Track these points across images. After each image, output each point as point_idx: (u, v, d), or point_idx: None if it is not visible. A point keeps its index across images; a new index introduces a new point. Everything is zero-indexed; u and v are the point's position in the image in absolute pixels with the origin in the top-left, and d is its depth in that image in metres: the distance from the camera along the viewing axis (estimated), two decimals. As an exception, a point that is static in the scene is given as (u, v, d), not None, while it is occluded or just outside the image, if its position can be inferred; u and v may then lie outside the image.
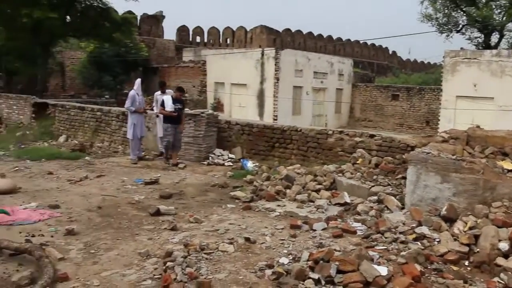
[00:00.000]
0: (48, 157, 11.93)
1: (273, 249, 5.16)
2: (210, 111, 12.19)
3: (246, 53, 26.00)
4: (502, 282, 4.45)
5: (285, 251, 5.06)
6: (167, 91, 11.87)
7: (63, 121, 16.68)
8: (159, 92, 11.86)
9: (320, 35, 52.21)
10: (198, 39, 48.29)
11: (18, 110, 20.44)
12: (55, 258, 4.84)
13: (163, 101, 10.87)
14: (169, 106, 10.67)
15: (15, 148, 15.06)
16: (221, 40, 48.67)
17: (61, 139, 15.96)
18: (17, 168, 10.04)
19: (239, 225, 6.08)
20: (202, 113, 11.39)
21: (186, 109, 11.63)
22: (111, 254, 5.08)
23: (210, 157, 11.09)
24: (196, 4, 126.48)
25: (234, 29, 48.72)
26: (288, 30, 49.16)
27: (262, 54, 24.69)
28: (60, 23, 21.57)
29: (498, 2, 29.41)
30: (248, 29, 47.92)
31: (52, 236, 5.63)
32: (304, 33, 50.79)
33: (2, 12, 21.21)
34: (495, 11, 29.39)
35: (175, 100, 10.87)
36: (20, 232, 5.72)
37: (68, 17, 23.42)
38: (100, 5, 23.66)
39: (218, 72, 26.87)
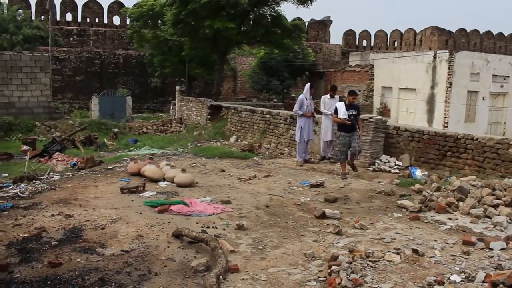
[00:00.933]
0: (220, 156, 12.85)
1: (443, 264, 4.86)
2: (379, 116, 11.87)
3: (417, 57, 24.79)
4: None
5: (457, 268, 4.72)
6: (335, 96, 11.86)
7: (234, 122, 17.80)
8: (327, 96, 11.91)
9: (500, 34, 47.63)
10: (364, 42, 47.78)
11: (196, 112, 22.46)
12: (227, 250, 5.17)
13: (336, 109, 10.07)
14: (342, 113, 9.84)
15: (192, 146, 16.51)
16: (388, 43, 47.39)
17: (232, 139, 17.04)
18: (194, 164, 11.01)
19: (406, 235, 5.84)
20: (371, 118, 11.16)
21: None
22: (278, 252, 5.25)
23: (376, 163, 10.80)
24: (363, 8, 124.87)
25: (403, 31, 47.01)
26: (462, 30, 45.84)
27: (434, 57, 23.29)
28: (236, 32, 23.06)
29: None
30: (417, 31, 45.83)
31: (224, 229, 6.04)
32: (481, 32, 46.78)
33: (188, 24, 23.47)
34: None
35: (348, 106, 9.97)
36: (197, 223, 6.26)
37: (242, 26, 24.87)
38: (273, 13, 24.65)
39: (386, 76, 26.10)
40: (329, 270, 4.58)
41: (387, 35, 47.59)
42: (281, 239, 5.71)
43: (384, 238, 5.68)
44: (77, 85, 32.52)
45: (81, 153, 14.53)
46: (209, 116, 20.64)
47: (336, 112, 10.07)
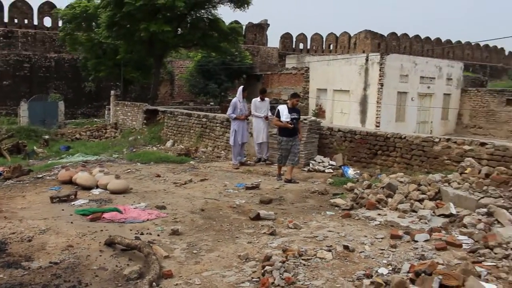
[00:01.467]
0: (156, 161, 12.66)
1: (372, 258, 5.03)
2: (313, 118, 12.15)
3: (350, 59, 25.57)
4: None
5: (385, 261, 4.90)
6: (265, 99, 12.05)
7: (171, 127, 17.60)
8: (258, 99, 12.05)
9: (427, 38, 50.13)
10: (301, 45, 48.66)
11: (132, 116, 22.03)
12: (161, 256, 5.12)
13: (278, 111, 9.83)
14: (285, 116, 9.64)
15: (127, 151, 16.17)
16: (324, 46, 48.57)
17: (169, 143, 16.85)
18: (129, 170, 10.79)
19: (338, 232, 6.00)
20: (305, 119, 11.39)
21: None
22: (212, 255, 5.25)
23: (310, 164, 11.05)
24: (300, 12, 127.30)
25: (338, 34, 48.35)
26: (393, 34, 47.82)
27: (367, 60, 24.11)
28: (172, 35, 22.84)
29: None
30: (352, 34, 47.32)
31: (158, 235, 5.96)
32: (410, 36, 49.04)
33: (123, 27, 22.98)
34: None
35: (291, 109, 9.80)
36: (131, 230, 6.14)
37: (179, 29, 24.66)
38: (209, 16, 24.61)
39: (321, 78, 26.75)
40: (262, 271, 4.62)
41: (323, 38, 48.71)
42: (216, 242, 5.71)
43: (317, 237, 5.79)
44: (4, 90, 31.01)
45: (8, 162, 13.86)
46: (145, 121, 20.29)
47: (278, 115, 9.85)
